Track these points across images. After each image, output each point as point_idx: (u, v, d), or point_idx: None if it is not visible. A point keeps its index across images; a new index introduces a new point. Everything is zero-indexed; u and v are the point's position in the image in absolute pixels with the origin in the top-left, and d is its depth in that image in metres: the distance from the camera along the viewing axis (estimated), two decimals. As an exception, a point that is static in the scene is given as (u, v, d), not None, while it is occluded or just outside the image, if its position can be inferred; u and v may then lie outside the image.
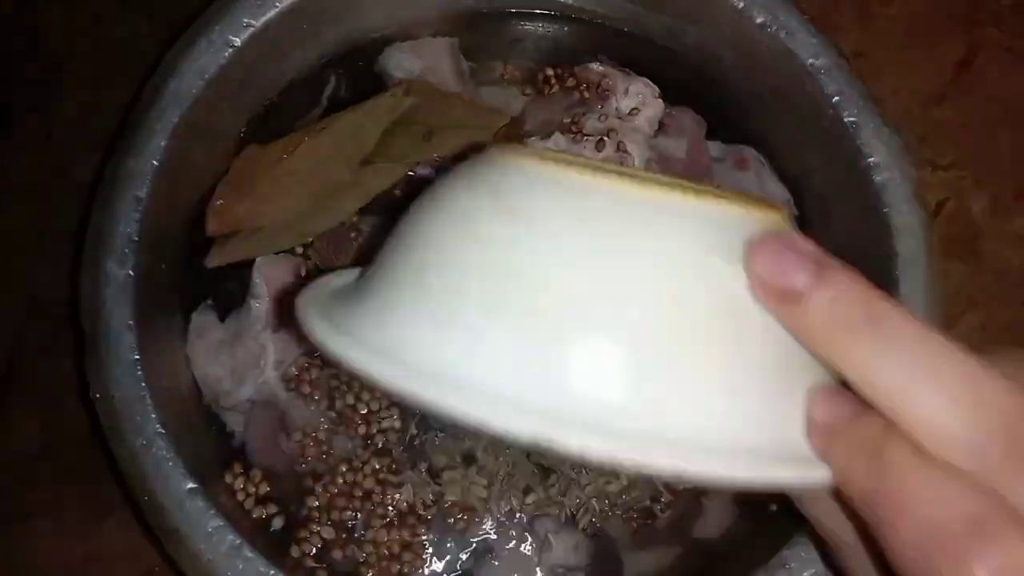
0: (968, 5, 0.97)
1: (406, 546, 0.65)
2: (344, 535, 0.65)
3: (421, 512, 0.66)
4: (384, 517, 0.66)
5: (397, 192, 0.74)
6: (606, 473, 0.67)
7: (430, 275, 0.31)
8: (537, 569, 0.65)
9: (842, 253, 0.31)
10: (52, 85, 0.92)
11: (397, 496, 0.66)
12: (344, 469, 0.66)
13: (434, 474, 0.66)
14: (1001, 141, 0.90)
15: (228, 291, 0.72)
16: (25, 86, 0.92)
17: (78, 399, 0.81)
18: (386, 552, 0.65)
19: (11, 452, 0.80)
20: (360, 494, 0.66)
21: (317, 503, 0.66)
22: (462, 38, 0.80)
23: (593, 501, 0.66)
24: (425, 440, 0.67)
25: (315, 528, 0.65)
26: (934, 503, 0.27)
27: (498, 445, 0.67)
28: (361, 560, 0.65)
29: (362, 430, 0.67)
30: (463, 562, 0.67)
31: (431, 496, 0.66)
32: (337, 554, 0.65)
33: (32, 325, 0.84)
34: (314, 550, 0.64)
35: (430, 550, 0.66)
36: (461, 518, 0.66)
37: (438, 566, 0.66)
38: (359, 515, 0.66)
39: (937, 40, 0.96)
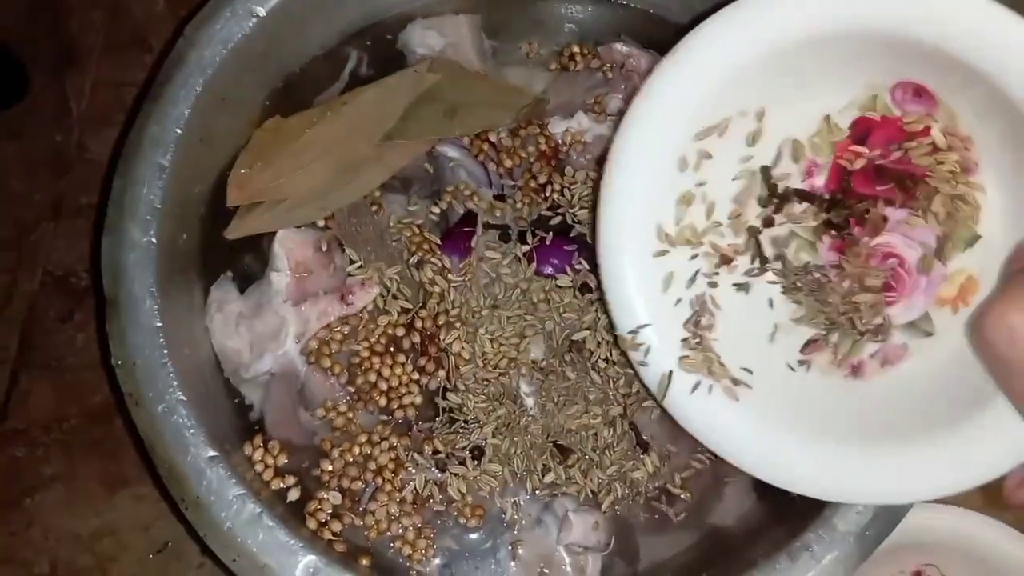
0: None
1: (417, 531, 0.65)
2: (351, 503, 0.65)
3: (431, 503, 0.66)
4: (393, 496, 0.65)
5: (427, 167, 0.74)
6: (632, 458, 0.66)
7: None
8: (556, 548, 0.64)
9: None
10: (69, 60, 0.92)
11: (410, 479, 0.65)
12: (363, 440, 0.66)
13: (442, 467, 0.66)
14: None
15: (247, 264, 0.72)
16: (43, 60, 0.92)
17: (93, 371, 0.81)
18: (399, 532, 0.65)
19: (25, 423, 0.79)
20: (373, 468, 0.66)
21: (331, 467, 0.65)
22: (485, 17, 0.79)
23: (616, 484, 0.66)
24: (434, 430, 0.67)
25: (324, 495, 0.64)
26: None
27: (513, 427, 0.67)
28: (366, 534, 0.65)
29: (382, 403, 0.67)
30: (477, 543, 0.66)
31: (439, 489, 0.66)
32: (345, 521, 0.64)
33: (47, 297, 0.84)
34: (325, 517, 0.64)
35: (439, 537, 0.66)
36: (469, 514, 0.65)
37: (452, 546, 0.66)
38: (368, 488, 0.66)
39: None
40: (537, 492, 0.66)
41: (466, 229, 0.71)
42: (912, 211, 0.60)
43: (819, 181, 0.62)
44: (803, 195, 0.62)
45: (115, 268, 0.62)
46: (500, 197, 0.73)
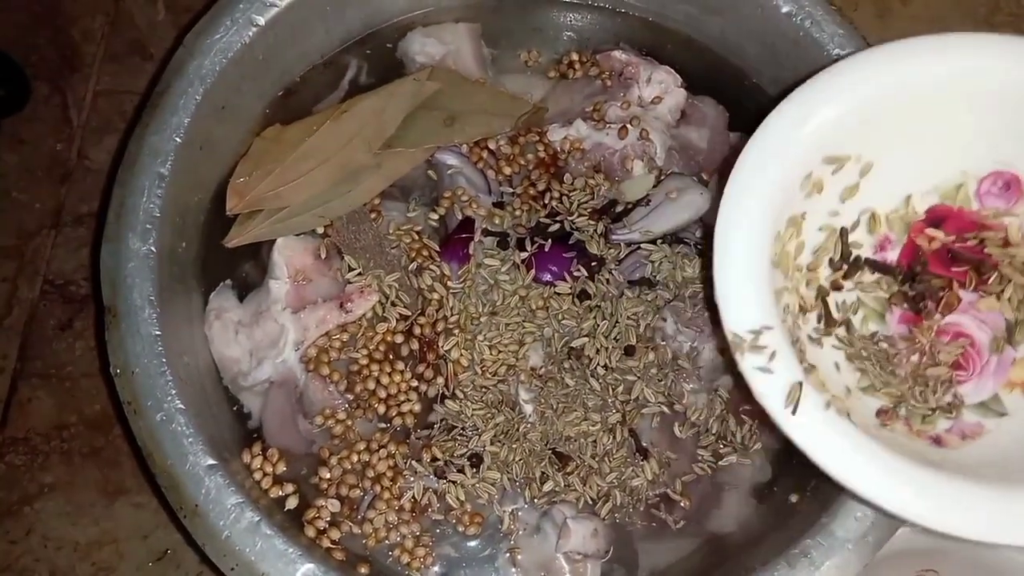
0: (988, 6, 0.97)
1: (416, 538, 0.65)
2: (349, 511, 0.65)
3: (429, 511, 0.65)
4: (391, 503, 0.65)
5: (431, 174, 0.74)
6: (631, 465, 0.66)
7: None
8: (555, 555, 0.64)
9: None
10: (71, 68, 0.92)
11: (408, 487, 0.65)
12: (361, 448, 0.66)
13: (440, 475, 0.65)
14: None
15: (246, 272, 0.72)
16: (45, 69, 0.92)
17: (92, 379, 0.81)
18: (397, 540, 0.65)
19: (25, 430, 0.79)
20: (372, 475, 0.66)
21: (329, 475, 0.65)
22: (484, 25, 0.80)
23: (616, 491, 0.66)
24: (432, 438, 0.67)
25: (322, 503, 0.64)
26: None
27: (511, 434, 0.66)
28: (365, 542, 0.64)
29: (381, 410, 0.67)
30: (476, 550, 0.66)
31: (437, 497, 0.65)
32: (344, 529, 0.64)
33: (47, 306, 0.84)
34: (324, 525, 0.64)
35: (438, 545, 0.66)
36: (468, 521, 0.65)
37: (451, 554, 0.66)
38: (366, 496, 0.66)
39: (956, 40, 0.96)
40: (535, 500, 0.66)
41: (464, 235, 0.71)
42: (984, 294, 0.61)
43: (891, 255, 0.62)
44: (878, 266, 0.62)
45: (114, 277, 0.62)
46: (499, 204, 0.73)
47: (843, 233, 0.61)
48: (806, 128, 0.57)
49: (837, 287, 0.62)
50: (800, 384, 0.52)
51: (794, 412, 0.51)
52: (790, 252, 0.59)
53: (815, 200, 0.59)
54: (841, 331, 0.61)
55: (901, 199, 0.62)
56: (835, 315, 0.61)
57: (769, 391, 0.52)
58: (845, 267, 0.62)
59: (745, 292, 0.54)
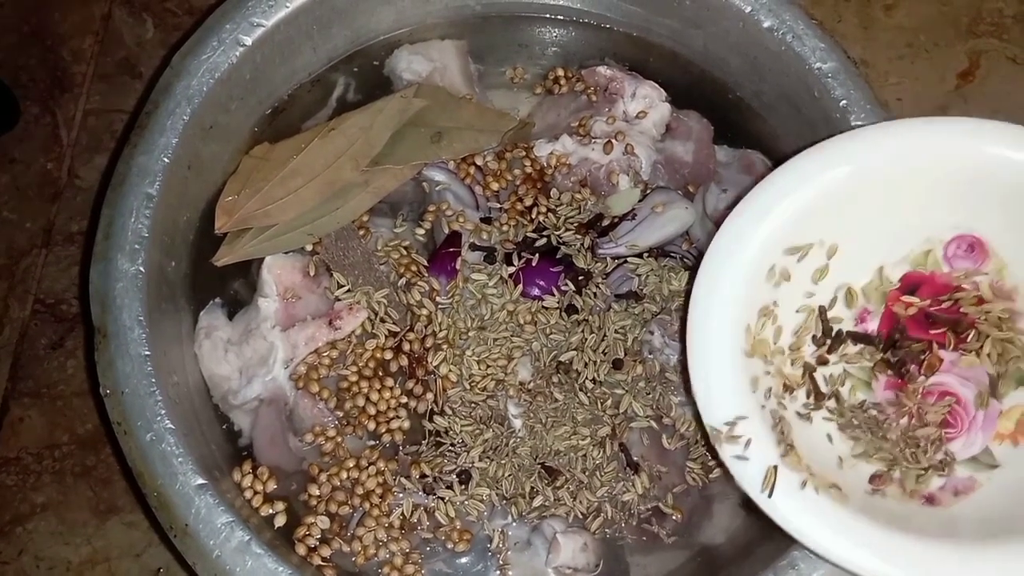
0: (971, 15, 0.98)
1: (405, 556, 0.65)
2: (339, 528, 0.65)
3: (418, 528, 0.65)
4: (380, 520, 0.65)
5: (425, 186, 0.74)
6: (622, 479, 0.66)
7: None
8: (546, 570, 0.64)
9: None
10: (60, 88, 0.93)
11: (397, 504, 0.65)
12: (351, 465, 0.66)
13: (429, 491, 0.66)
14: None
15: (235, 290, 0.72)
16: (35, 88, 0.92)
17: (84, 398, 0.81)
18: (386, 557, 0.65)
19: (16, 450, 0.80)
20: (361, 492, 0.66)
21: (318, 492, 0.65)
22: (470, 41, 0.81)
23: (607, 506, 0.66)
24: (420, 454, 0.67)
25: (312, 520, 0.64)
26: None
27: (500, 449, 0.67)
28: (354, 560, 0.64)
29: (371, 427, 0.67)
30: (467, 567, 0.66)
31: (426, 514, 0.65)
32: (334, 546, 0.64)
33: (38, 325, 0.84)
34: (315, 543, 0.64)
35: (428, 562, 0.65)
36: (457, 538, 0.65)
37: (443, 569, 0.66)
38: (356, 513, 0.66)
39: (940, 49, 0.97)
40: (525, 515, 0.66)
41: (452, 250, 0.71)
42: (964, 352, 0.62)
43: (872, 326, 0.64)
44: (859, 337, 0.64)
45: (103, 298, 0.62)
46: (487, 219, 0.73)
47: (822, 311, 0.63)
48: (761, 229, 0.60)
49: (823, 362, 0.64)
50: (775, 468, 0.56)
51: (770, 495, 0.56)
52: (766, 339, 0.62)
53: (785, 287, 0.62)
54: (831, 403, 0.63)
55: (874, 271, 0.64)
56: (823, 389, 0.63)
57: (746, 477, 0.57)
58: (828, 342, 0.64)
59: (718, 388, 0.59)
